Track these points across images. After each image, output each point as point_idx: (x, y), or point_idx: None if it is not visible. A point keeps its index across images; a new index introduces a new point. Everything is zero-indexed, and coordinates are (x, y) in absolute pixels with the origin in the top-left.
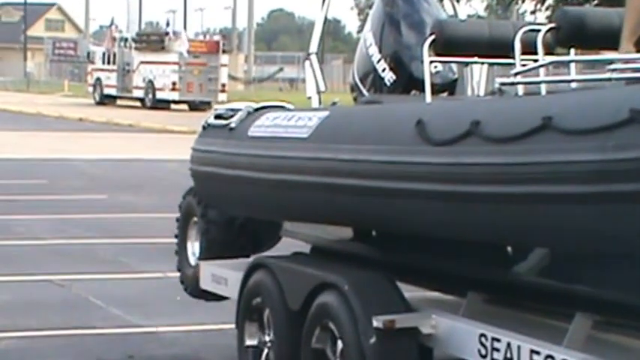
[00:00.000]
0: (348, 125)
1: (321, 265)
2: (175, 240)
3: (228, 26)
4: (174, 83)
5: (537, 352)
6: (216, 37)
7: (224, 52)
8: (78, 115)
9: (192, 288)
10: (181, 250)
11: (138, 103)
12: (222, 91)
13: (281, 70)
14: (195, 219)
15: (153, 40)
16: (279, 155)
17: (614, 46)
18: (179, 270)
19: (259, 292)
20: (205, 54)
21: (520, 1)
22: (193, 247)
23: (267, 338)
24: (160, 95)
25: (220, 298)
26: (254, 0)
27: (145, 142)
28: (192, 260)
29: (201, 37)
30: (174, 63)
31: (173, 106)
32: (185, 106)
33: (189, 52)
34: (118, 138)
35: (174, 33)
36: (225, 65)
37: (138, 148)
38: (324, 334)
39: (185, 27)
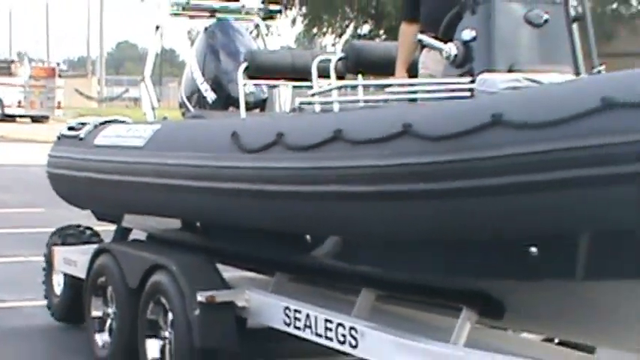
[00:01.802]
0: (177, 136)
1: (154, 249)
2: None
3: (85, 54)
4: (19, 101)
5: (330, 321)
6: (53, 65)
7: (59, 76)
8: None
9: (58, 314)
10: (48, 282)
11: None
12: (59, 107)
13: (127, 91)
14: None
15: (2, 66)
16: (119, 160)
17: (392, 72)
18: (48, 301)
19: (103, 273)
20: (44, 78)
21: (322, 36)
22: (58, 279)
23: (110, 311)
24: (8, 111)
25: (81, 322)
26: (104, 33)
27: (13, 149)
28: (58, 291)
29: (40, 65)
30: (20, 85)
31: (18, 119)
32: (28, 120)
33: (31, 76)
34: None
35: (19, 60)
36: (60, 87)
37: (7, 155)
38: (157, 307)
39: (48, 55)
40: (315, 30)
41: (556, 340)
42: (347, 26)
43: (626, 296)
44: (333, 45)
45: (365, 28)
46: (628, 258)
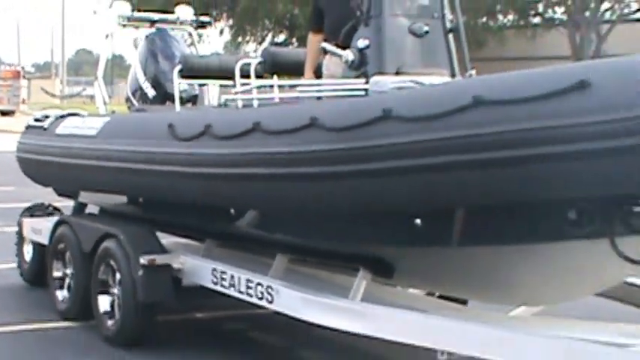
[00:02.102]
0: (123, 126)
1: (105, 221)
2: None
3: (49, 59)
4: None
5: (251, 281)
6: (18, 68)
7: (24, 77)
8: None
9: (28, 276)
10: (20, 252)
11: None
12: (23, 103)
13: (84, 89)
14: None
15: None
16: (77, 147)
17: (301, 73)
18: (19, 266)
19: (62, 240)
20: (11, 78)
21: (246, 43)
22: (28, 249)
23: (68, 272)
24: None
25: (45, 283)
26: (65, 42)
27: None
28: (27, 258)
29: (8, 68)
30: None
31: None
32: None
33: (0, 77)
34: None
35: None
36: (24, 86)
37: None
38: (107, 268)
39: (19, 59)
40: (240, 38)
41: (436, 294)
42: (266, 35)
43: (492, 259)
44: (255, 51)
45: (281, 37)
46: (493, 228)
